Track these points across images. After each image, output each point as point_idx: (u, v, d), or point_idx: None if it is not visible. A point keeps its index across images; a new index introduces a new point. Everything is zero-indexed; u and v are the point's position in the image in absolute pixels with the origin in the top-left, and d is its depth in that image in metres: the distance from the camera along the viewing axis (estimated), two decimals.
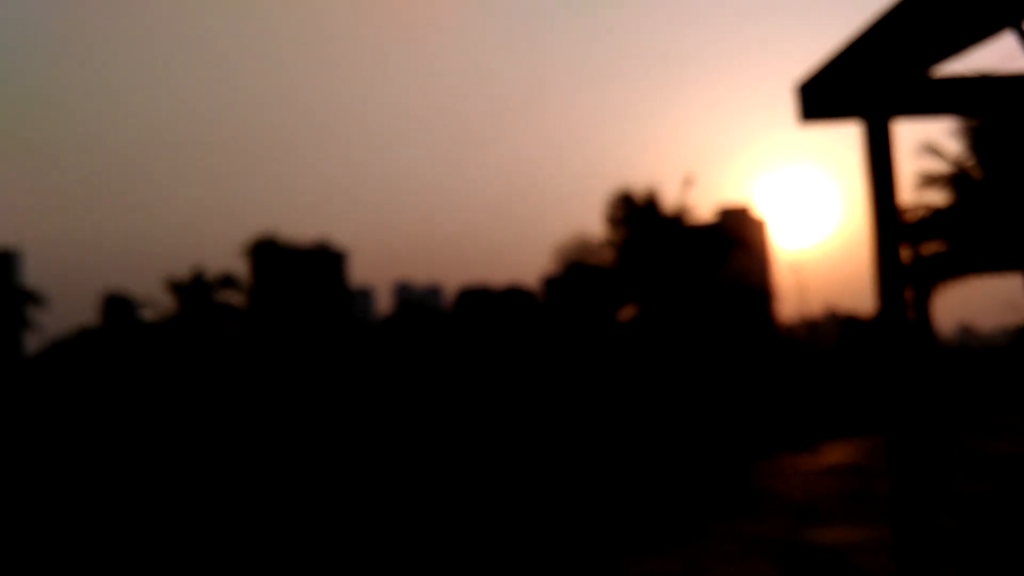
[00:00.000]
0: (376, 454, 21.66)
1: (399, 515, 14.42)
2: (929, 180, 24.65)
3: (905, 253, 5.75)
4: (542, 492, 16.08)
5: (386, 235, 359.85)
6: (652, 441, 22.23)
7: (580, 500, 15.04)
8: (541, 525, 13.05)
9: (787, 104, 6.47)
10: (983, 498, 13.04)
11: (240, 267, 54.45)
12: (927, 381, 23.43)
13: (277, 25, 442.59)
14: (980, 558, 9.52)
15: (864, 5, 5.57)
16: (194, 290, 39.71)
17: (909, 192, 25.08)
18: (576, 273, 32.80)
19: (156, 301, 40.77)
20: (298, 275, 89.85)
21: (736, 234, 37.60)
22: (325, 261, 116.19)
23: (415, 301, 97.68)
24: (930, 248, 24.38)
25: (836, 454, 20.27)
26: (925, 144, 24.68)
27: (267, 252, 67.14)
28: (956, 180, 24.45)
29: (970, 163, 24.31)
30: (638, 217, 32.02)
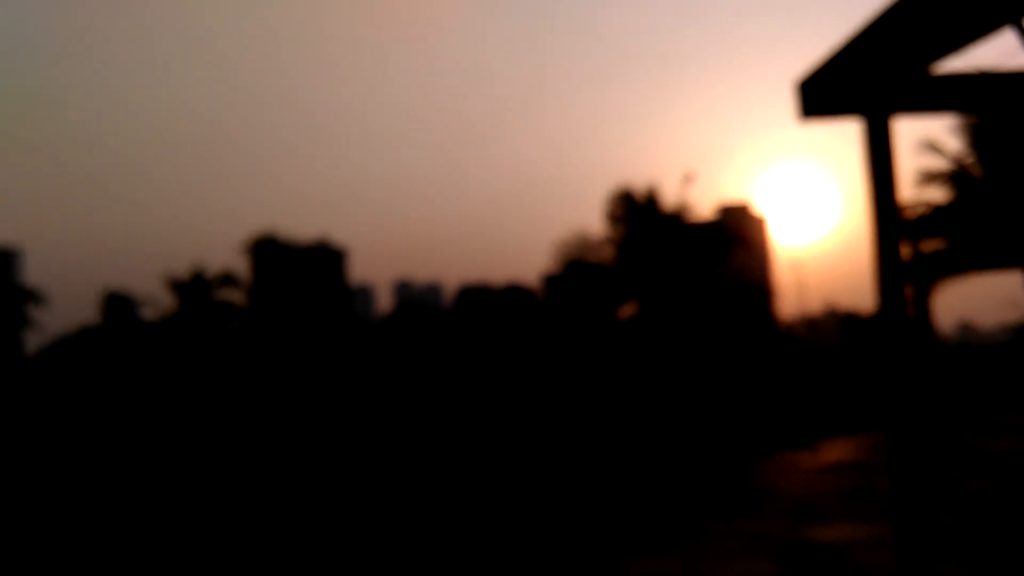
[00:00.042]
0: (376, 453, 21.66)
1: (399, 514, 14.42)
2: (929, 177, 24.64)
3: (905, 250, 5.75)
4: (542, 491, 16.08)
5: (386, 233, 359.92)
6: (652, 439, 22.22)
7: (580, 499, 15.04)
8: (541, 524, 13.04)
9: (787, 102, 6.47)
10: (983, 495, 13.03)
11: (240, 265, 54.33)
12: (927, 378, 23.44)
13: (277, 24, 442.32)
14: (980, 555, 9.52)
15: (864, 3, 5.56)
16: (194, 288, 39.68)
17: (909, 189, 25.07)
18: (576, 271, 32.77)
19: (156, 299, 40.74)
20: (298, 273, 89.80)
21: (736, 231, 37.59)
22: (325, 259, 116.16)
23: (415, 299, 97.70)
24: (930, 245, 24.36)
25: (836, 451, 20.27)
26: (925, 141, 24.66)
27: (267, 250, 67.05)
28: (956, 177, 24.43)
29: (970, 160, 24.29)
30: (638, 215, 32.00)
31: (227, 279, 40.29)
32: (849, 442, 21.89)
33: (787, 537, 11.10)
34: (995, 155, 23.48)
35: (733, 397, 26.55)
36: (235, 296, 40.95)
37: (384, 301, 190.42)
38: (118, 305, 57.51)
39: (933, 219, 24.35)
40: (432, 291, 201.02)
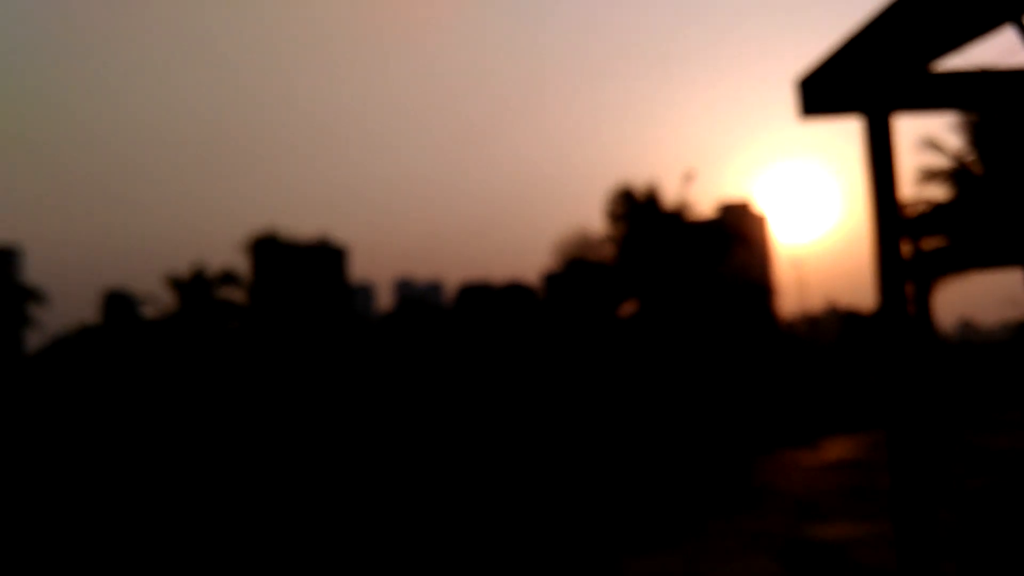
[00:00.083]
0: (377, 451, 21.66)
1: (399, 513, 14.42)
2: (930, 175, 24.64)
3: (906, 248, 5.74)
4: (542, 489, 16.08)
5: (387, 231, 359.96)
6: (653, 437, 22.22)
7: (580, 497, 15.04)
8: (541, 523, 13.05)
9: (787, 99, 6.47)
10: (984, 493, 13.03)
11: (241, 264, 54.28)
12: (928, 376, 23.44)
13: (277, 23, 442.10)
14: (981, 554, 9.52)
15: (864, 1, 5.56)
16: (195, 287, 39.69)
17: (910, 187, 25.08)
18: (577, 269, 32.77)
19: (157, 298, 40.78)
20: (299, 272, 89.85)
21: (737, 230, 37.59)
22: (326, 257, 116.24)
23: (416, 297, 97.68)
24: (931, 243, 24.36)
25: (837, 449, 20.28)
26: (926, 139, 24.67)
27: (268, 248, 67.06)
28: (957, 175, 24.43)
29: (970, 158, 24.28)
30: (639, 213, 32.00)
31: (228, 278, 40.30)
32: (850, 440, 21.89)
33: (788, 535, 11.11)
34: (995, 153, 23.48)
35: (734, 395, 26.56)
36: (236, 295, 40.97)
37: (385, 299, 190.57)
38: (119, 304, 57.55)
39: (934, 217, 24.36)
40: (433, 289, 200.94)
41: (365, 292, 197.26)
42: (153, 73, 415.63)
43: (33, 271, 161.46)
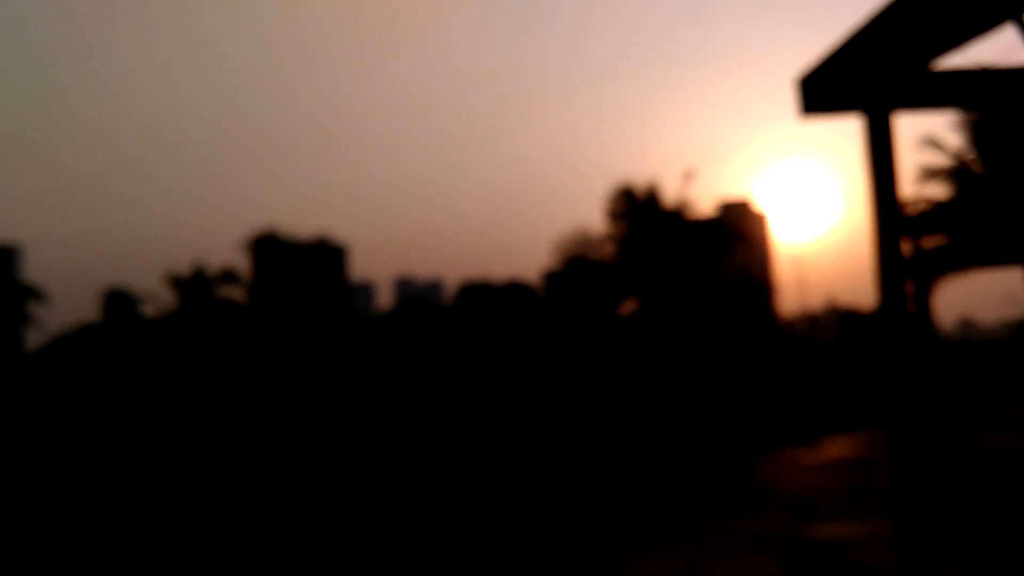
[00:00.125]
0: (376, 450, 21.66)
1: (398, 512, 14.42)
2: (930, 174, 24.62)
3: (906, 247, 5.73)
4: (542, 488, 16.08)
5: (387, 230, 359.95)
6: (652, 436, 22.21)
7: (580, 496, 15.03)
8: (540, 522, 13.04)
9: (788, 97, 6.46)
10: (984, 492, 13.02)
11: (241, 262, 54.25)
12: (928, 375, 23.44)
13: (277, 22, 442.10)
14: (981, 553, 9.51)
15: None
16: (195, 285, 39.67)
17: (910, 185, 25.06)
18: (577, 267, 32.74)
19: (157, 296, 40.75)
20: (299, 270, 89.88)
21: (737, 228, 37.59)
22: (326, 256, 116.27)
23: (416, 296, 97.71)
24: (931, 242, 24.36)
25: (837, 448, 20.27)
26: (926, 137, 24.65)
27: (268, 247, 67.04)
28: (957, 174, 24.41)
29: (971, 157, 24.26)
30: (639, 211, 31.98)
31: (228, 276, 40.28)
32: (850, 438, 21.89)
33: (788, 535, 11.10)
34: (996, 151, 23.45)
35: (734, 394, 26.54)
36: (236, 293, 40.95)
37: (385, 298, 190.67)
38: (119, 302, 57.53)
39: (934, 215, 24.35)
40: (433, 288, 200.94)
41: (365, 291, 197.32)
42: (153, 72, 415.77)
43: (33, 269, 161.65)
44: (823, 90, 5.79)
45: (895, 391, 5.48)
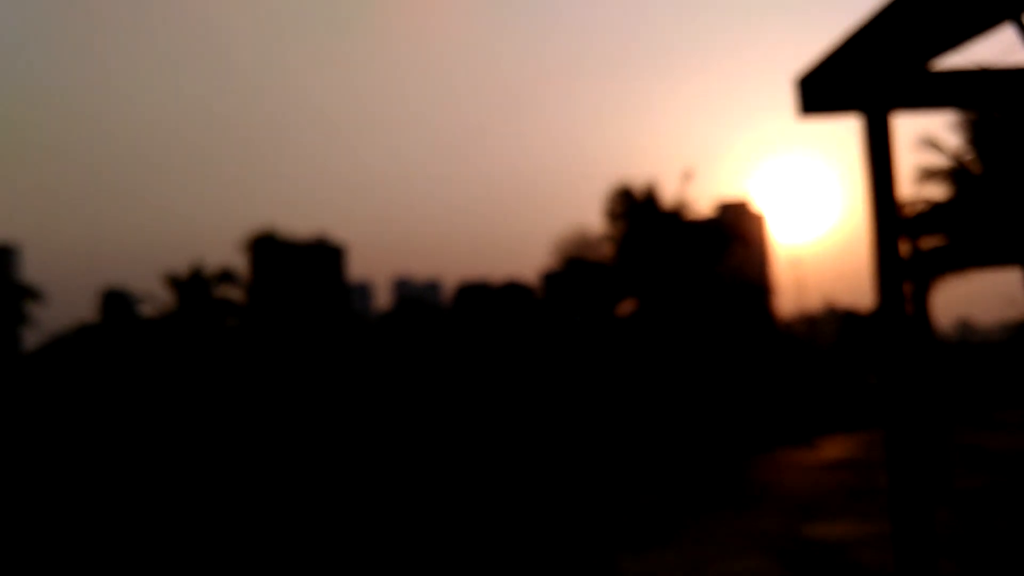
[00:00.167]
0: (375, 450, 21.65)
1: (397, 511, 14.41)
2: (928, 174, 24.59)
3: (904, 247, 5.73)
4: (540, 488, 16.08)
5: (385, 230, 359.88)
6: (651, 436, 22.22)
7: (578, 496, 15.03)
8: (539, 521, 13.04)
9: (786, 92, 6.46)
10: (982, 493, 13.03)
11: (239, 262, 54.21)
12: (926, 376, 23.43)
13: (276, 21, 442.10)
14: (979, 552, 9.52)
15: None
16: (193, 285, 39.61)
17: (908, 186, 25.03)
18: (575, 268, 32.72)
19: (155, 296, 40.64)
20: (297, 270, 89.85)
21: (735, 229, 37.52)
22: (324, 256, 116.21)
23: (414, 296, 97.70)
24: (929, 242, 24.35)
25: (835, 449, 20.28)
26: (924, 138, 24.62)
27: (266, 247, 66.99)
28: (955, 174, 24.40)
29: (969, 157, 24.26)
30: (637, 212, 31.95)
31: (226, 276, 40.21)
32: (848, 439, 21.91)
33: (786, 534, 11.10)
34: (995, 152, 23.45)
35: (732, 394, 26.55)
36: (234, 293, 40.87)
37: (383, 298, 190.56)
38: (117, 302, 57.48)
39: (932, 216, 24.32)
40: (431, 288, 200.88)
41: (363, 291, 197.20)
42: (152, 72, 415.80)
43: (31, 269, 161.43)
44: (822, 90, 5.79)
45: (893, 392, 5.48)
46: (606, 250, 32.35)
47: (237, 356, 36.06)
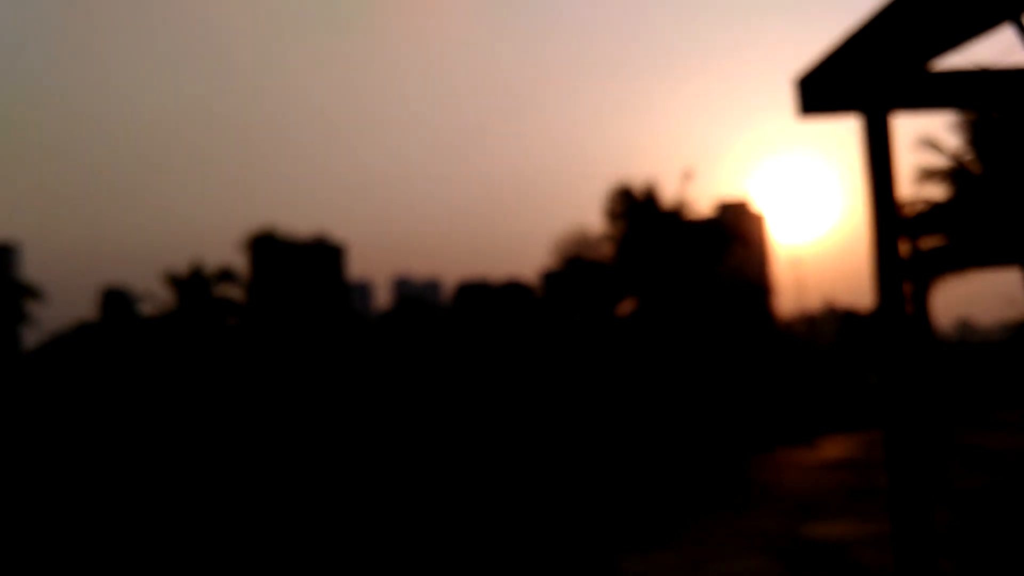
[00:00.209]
0: (375, 449, 21.65)
1: (397, 511, 14.41)
2: (928, 174, 24.60)
3: (904, 247, 5.73)
4: (540, 487, 16.08)
5: (385, 229, 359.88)
6: (650, 435, 22.23)
7: (578, 495, 15.04)
8: (538, 520, 13.04)
9: (785, 90, 6.46)
10: (982, 493, 13.04)
11: (239, 261, 54.39)
12: (926, 376, 23.44)
13: (276, 21, 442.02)
14: (979, 552, 9.52)
15: None
16: (193, 284, 39.62)
17: (908, 186, 25.05)
18: (575, 267, 32.72)
19: (155, 295, 40.67)
20: (297, 269, 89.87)
21: (735, 229, 37.52)
22: (324, 255, 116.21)
23: (414, 295, 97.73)
24: (929, 242, 24.35)
25: (834, 448, 20.29)
26: (924, 138, 24.63)
27: (266, 246, 67.07)
28: (955, 174, 24.40)
29: (969, 157, 24.26)
30: (637, 211, 31.96)
31: (226, 275, 40.23)
32: (848, 439, 21.91)
33: (786, 534, 11.10)
34: (994, 152, 23.46)
35: (732, 394, 26.57)
36: (234, 292, 40.89)
37: (383, 297, 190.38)
38: (116, 301, 57.54)
39: (932, 216, 24.33)
40: (431, 287, 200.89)
41: (363, 290, 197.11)
42: (152, 70, 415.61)
43: (31, 268, 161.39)
44: (821, 90, 5.79)
45: (893, 392, 5.48)
46: (606, 250, 32.35)
47: (237, 355, 36.07)
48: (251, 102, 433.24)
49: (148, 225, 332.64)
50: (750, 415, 24.63)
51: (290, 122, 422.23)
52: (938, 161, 24.76)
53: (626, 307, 32.05)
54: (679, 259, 31.28)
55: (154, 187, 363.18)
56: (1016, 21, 5.06)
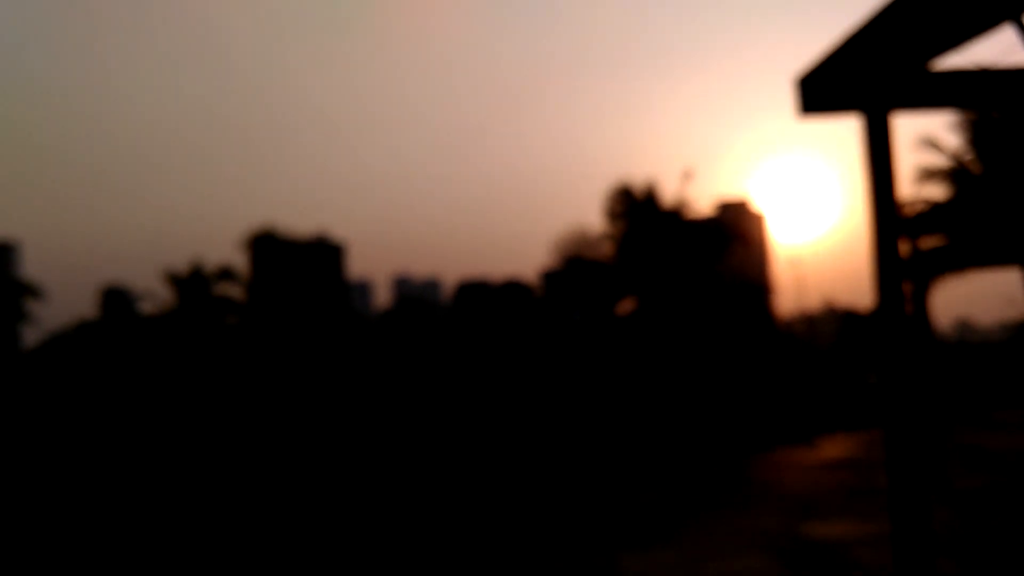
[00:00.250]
0: (374, 448, 21.65)
1: (397, 510, 14.42)
2: (928, 174, 24.60)
3: (904, 247, 5.74)
4: (540, 486, 16.08)
5: (385, 228, 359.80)
6: (650, 435, 22.23)
7: (577, 494, 15.04)
8: (538, 519, 13.04)
9: (786, 90, 6.46)
10: (981, 493, 13.04)
11: (239, 260, 54.28)
12: (925, 376, 23.44)
13: (276, 21, 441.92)
14: (978, 552, 9.52)
15: None
16: (193, 283, 39.61)
17: (908, 186, 25.05)
18: (575, 267, 32.72)
19: (155, 294, 40.66)
20: (297, 268, 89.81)
21: (735, 228, 37.51)
22: (324, 254, 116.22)
23: (414, 294, 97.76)
24: (929, 242, 24.35)
25: (834, 448, 20.29)
26: (924, 138, 24.63)
27: (266, 245, 67.03)
28: (955, 174, 24.40)
29: (969, 157, 24.26)
30: (637, 211, 31.95)
31: (226, 274, 40.21)
32: (848, 438, 21.92)
33: (786, 533, 11.11)
34: (994, 152, 23.45)
35: (732, 393, 26.57)
36: (234, 291, 40.88)
37: (383, 296, 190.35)
38: (116, 299, 57.52)
39: (932, 216, 24.32)
40: (431, 286, 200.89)
41: (363, 289, 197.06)
42: (152, 69, 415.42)
43: (31, 266, 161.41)
44: (822, 90, 5.79)
45: (893, 391, 5.49)
46: (606, 249, 32.35)
47: (237, 354, 36.07)
48: (251, 102, 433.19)
49: (148, 224, 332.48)
50: (750, 415, 24.63)
51: (290, 122, 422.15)
52: (938, 161, 24.75)
53: (626, 306, 32.05)
54: (679, 259, 31.28)
55: (154, 187, 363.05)
56: (1016, 21, 5.06)
